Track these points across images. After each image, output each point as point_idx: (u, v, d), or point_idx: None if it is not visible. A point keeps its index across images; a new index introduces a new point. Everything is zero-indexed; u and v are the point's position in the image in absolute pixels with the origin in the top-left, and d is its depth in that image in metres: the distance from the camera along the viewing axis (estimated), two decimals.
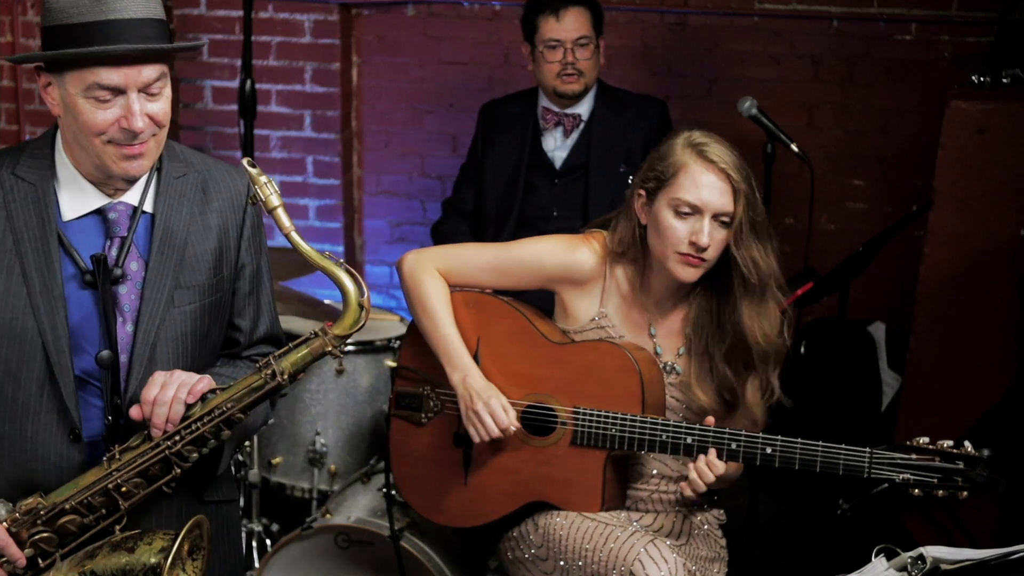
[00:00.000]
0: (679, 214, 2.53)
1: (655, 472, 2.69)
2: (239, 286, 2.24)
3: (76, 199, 2.10)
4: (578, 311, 2.71)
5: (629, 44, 4.53)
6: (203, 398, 2.04)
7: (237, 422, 2.07)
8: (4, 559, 2.02)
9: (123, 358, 2.11)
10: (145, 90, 2.00)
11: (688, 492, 2.52)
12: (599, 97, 3.80)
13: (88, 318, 2.09)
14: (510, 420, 2.61)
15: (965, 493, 2.34)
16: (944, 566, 1.85)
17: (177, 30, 4.85)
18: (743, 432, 2.49)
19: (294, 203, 4.92)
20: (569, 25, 3.67)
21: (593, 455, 2.61)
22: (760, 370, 2.59)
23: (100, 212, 2.11)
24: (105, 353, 2.07)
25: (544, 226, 3.74)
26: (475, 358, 2.69)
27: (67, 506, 2.03)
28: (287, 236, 2.01)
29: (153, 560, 1.93)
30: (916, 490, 2.37)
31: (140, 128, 2.00)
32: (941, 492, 2.36)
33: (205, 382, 2.05)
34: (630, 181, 3.66)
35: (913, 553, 1.87)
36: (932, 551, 1.86)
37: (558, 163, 3.82)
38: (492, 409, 2.60)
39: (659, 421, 2.54)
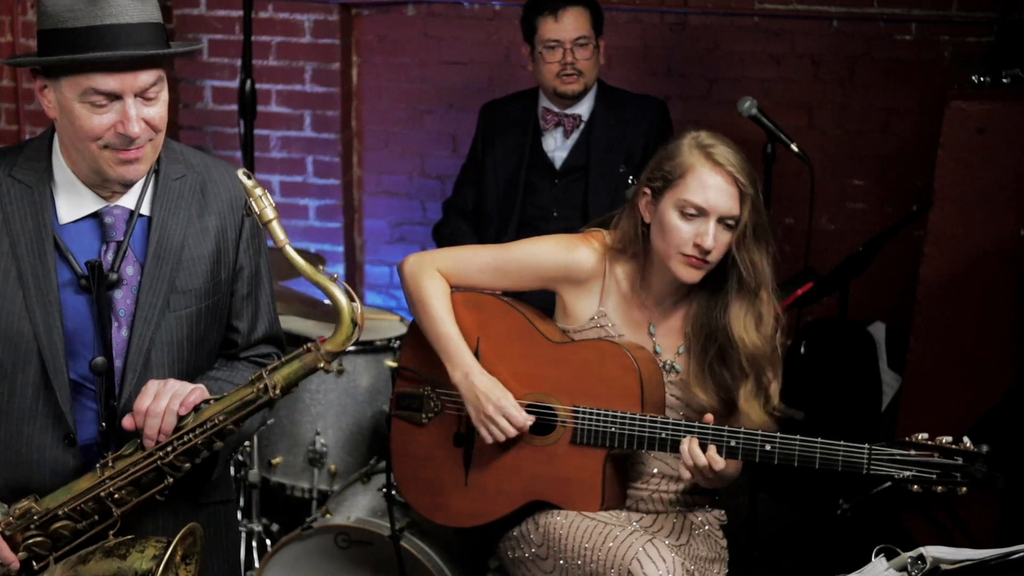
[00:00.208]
0: (685, 215, 2.53)
1: (655, 471, 2.69)
2: (237, 288, 2.24)
3: (73, 202, 2.09)
4: (578, 310, 2.71)
5: (629, 44, 4.53)
6: (196, 409, 2.04)
7: (229, 434, 2.06)
8: None
9: (118, 363, 2.10)
10: (142, 95, 1.99)
11: (687, 474, 2.51)
12: (599, 97, 3.80)
13: (84, 323, 2.09)
14: (524, 418, 2.62)
15: (964, 489, 2.35)
16: (944, 566, 1.85)
17: (177, 30, 4.85)
18: (742, 429, 2.49)
19: (294, 203, 4.92)
20: (568, 25, 3.67)
21: (593, 454, 2.61)
22: (751, 374, 2.58)
23: (96, 216, 2.10)
24: (99, 360, 2.07)
25: (544, 226, 3.74)
26: (475, 358, 2.69)
27: (60, 512, 2.04)
28: (282, 249, 1.99)
29: (145, 567, 1.94)
30: (915, 486, 2.37)
31: (136, 133, 1.99)
32: (940, 488, 2.36)
33: (198, 393, 2.04)
34: (630, 181, 3.69)
35: (913, 553, 1.87)
36: (932, 551, 1.86)
37: (558, 163, 3.82)
38: (506, 411, 2.61)
39: (658, 420, 2.54)
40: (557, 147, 3.83)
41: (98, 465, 2.05)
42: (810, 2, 4.36)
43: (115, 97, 1.98)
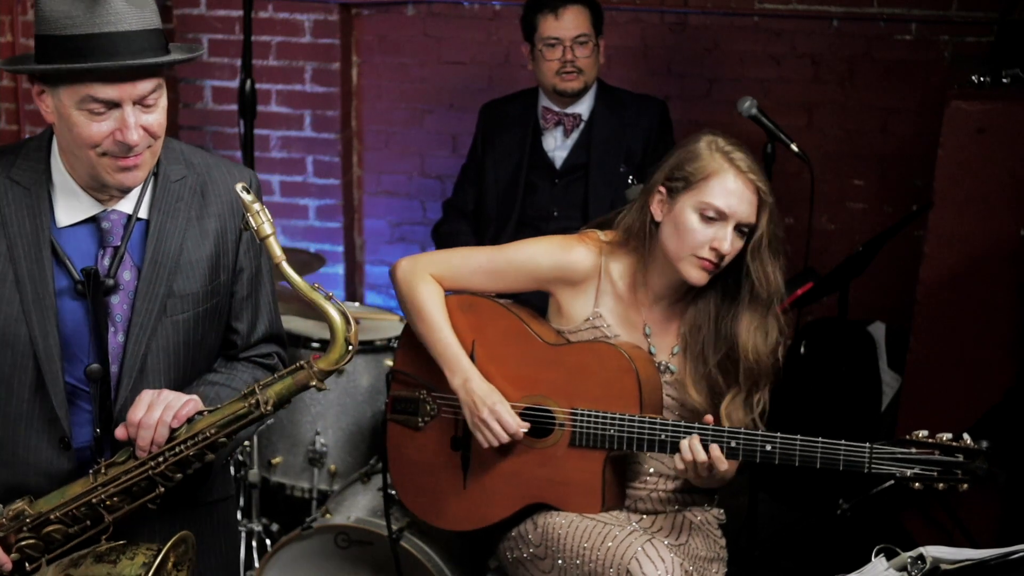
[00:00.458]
0: (705, 218, 2.53)
1: (652, 470, 2.69)
2: (236, 289, 2.23)
3: (71, 206, 2.09)
4: (572, 311, 2.71)
5: (629, 44, 4.53)
6: (189, 420, 2.03)
7: (221, 446, 2.06)
8: None
9: (113, 368, 2.10)
10: (140, 102, 1.98)
11: (680, 466, 2.51)
12: (599, 97, 3.80)
13: (80, 328, 2.08)
14: (518, 425, 2.61)
15: (965, 485, 2.35)
16: (944, 566, 1.85)
17: (177, 30, 4.85)
18: (742, 430, 2.49)
19: (294, 203, 4.92)
20: (568, 23, 3.67)
21: (592, 456, 2.61)
22: (744, 386, 2.58)
23: (94, 220, 2.09)
24: (95, 367, 2.07)
25: (544, 226, 3.74)
26: (471, 361, 2.68)
27: (52, 516, 2.04)
28: (278, 266, 1.98)
29: (135, 574, 1.94)
30: (916, 484, 2.37)
31: (135, 141, 1.98)
32: (941, 485, 2.36)
33: (191, 405, 2.04)
34: (631, 181, 3.69)
35: (913, 553, 1.87)
36: (932, 551, 1.86)
37: (558, 163, 3.82)
38: (500, 416, 2.60)
39: (657, 421, 2.54)
40: (557, 146, 3.83)
41: (91, 471, 2.05)
42: (810, 2, 4.36)
43: (113, 105, 1.96)
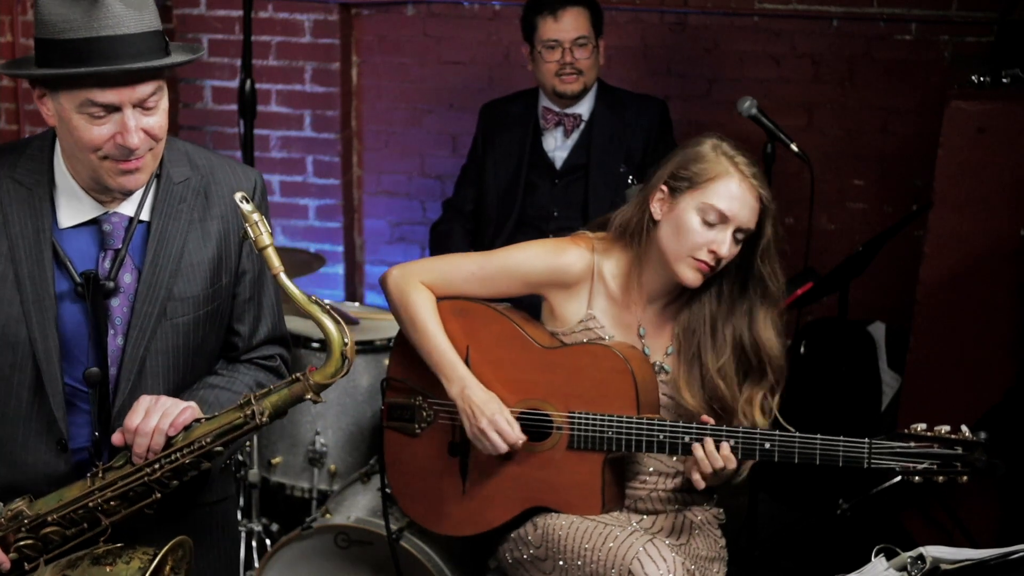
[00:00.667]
0: (706, 221, 2.53)
1: (652, 469, 2.69)
2: (239, 291, 2.22)
3: (72, 207, 2.08)
4: (566, 313, 2.70)
5: (629, 44, 4.53)
6: (186, 428, 2.03)
7: (217, 455, 2.06)
8: None
9: (112, 371, 2.10)
10: (140, 105, 1.97)
11: (702, 484, 2.51)
12: (599, 97, 3.80)
13: (80, 329, 2.08)
14: (517, 435, 2.61)
15: (965, 478, 2.35)
16: (944, 566, 1.85)
17: (177, 30, 4.85)
18: (740, 429, 2.49)
19: (294, 203, 4.92)
20: (568, 25, 3.67)
21: (591, 458, 2.60)
22: (774, 381, 2.61)
23: (96, 222, 2.09)
24: (93, 370, 2.07)
25: (544, 226, 3.74)
26: (465, 365, 2.68)
27: (50, 518, 2.04)
28: (275, 277, 1.97)
29: None
30: (916, 477, 2.38)
31: (136, 144, 1.97)
32: (941, 478, 2.37)
33: (188, 413, 2.03)
34: (631, 181, 3.69)
35: (913, 553, 1.87)
36: (932, 551, 1.86)
37: (558, 163, 3.82)
38: (498, 426, 2.60)
39: (655, 421, 2.54)
40: (557, 147, 3.83)
41: (88, 475, 2.05)
42: (810, 2, 4.36)
43: (113, 109, 1.95)
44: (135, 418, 2.00)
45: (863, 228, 4.38)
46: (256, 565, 3.56)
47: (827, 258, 4.02)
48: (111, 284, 2.07)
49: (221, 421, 2.04)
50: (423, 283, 2.71)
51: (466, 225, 3.93)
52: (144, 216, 2.12)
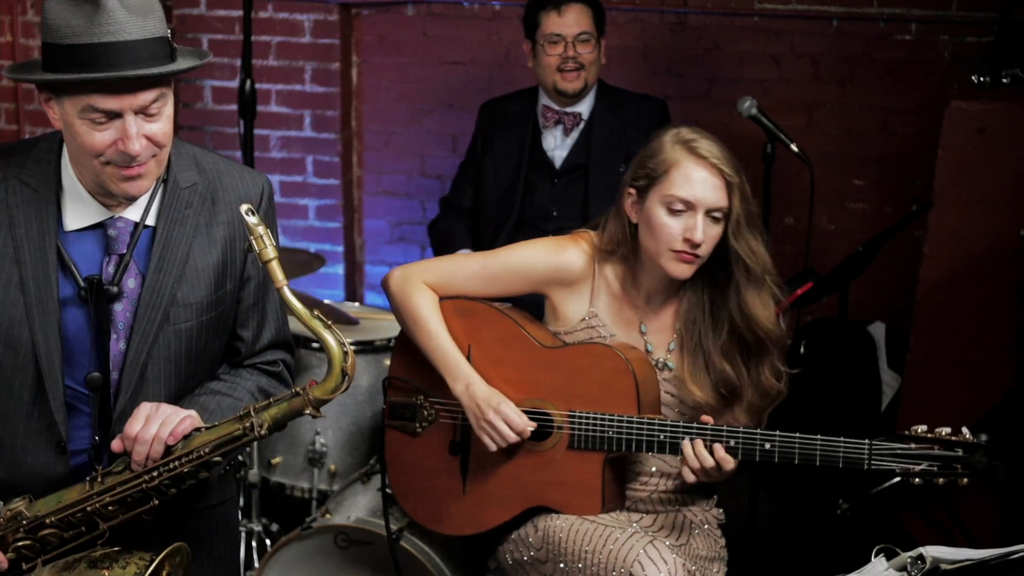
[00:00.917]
0: (672, 211, 2.53)
1: (654, 469, 2.69)
2: (243, 297, 2.21)
3: (78, 211, 2.08)
4: (568, 312, 2.70)
5: (629, 44, 4.53)
6: (186, 436, 2.03)
7: (215, 465, 2.06)
8: None
9: (114, 375, 2.09)
10: (143, 112, 1.97)
11: (692, 477, 2.51)
12: (599, 97, 3.80)
13: (83, 333, 2.08)
14: (525, 423, 2.61)
15: (965, 480, 2.35)
16: (944, 566, 1.85)
17: (177, 30, 4.85)
18: (740, 429, 2.49)
19: (294, 203, 4.92)
20: (571, 20, 3.67)
21: (591, 458, 2.61)
22: (774, 350, 2.61)
23: (101, 226, 2.08)
24: (95, 375, 2.07)
25: (544, 225, 3.74)
26: (469, 364, 2.68)
27: (48, 520, 2.04)
28: (279, 291, 1.97)
29: None
30: (916, 479, 2.38)
31: (137, 151, 1.96)
32: (941, 480, 2.36)
33: (188, 422, 2.03)
34: None
35: (913, 553, 1.87)
36: (932, 551, 1.86)
37: (558, 162, 3.82)
38: (505, 415, 2.60)
39: (656, 421, 2.54)
40: (557, 146, 3.82)
41: (88, 479, 2.05)
42: (810, 2, 4.36)
43: (115, 115, 1.95)
44: (135, 425, 2.00)
45: (863, 228, 4.38)
46: (256, 565, 3.56)
47: (827, 258, 4.02)
48: (114, 289, 2.06)
49: (220, 432, 2.03)
50: (425, 283, 2.71)
51: (465, 223, 3.93)
52: (150, 221, 2.11)
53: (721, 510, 2.80)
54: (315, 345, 3.62)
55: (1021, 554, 1.86)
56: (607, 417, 2.57)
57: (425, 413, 2.78)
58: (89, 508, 2.03)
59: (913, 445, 2.37)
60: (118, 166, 1.98)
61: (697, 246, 2.52)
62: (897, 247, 4.01)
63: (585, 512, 2.61)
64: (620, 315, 2.68)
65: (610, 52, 3.96)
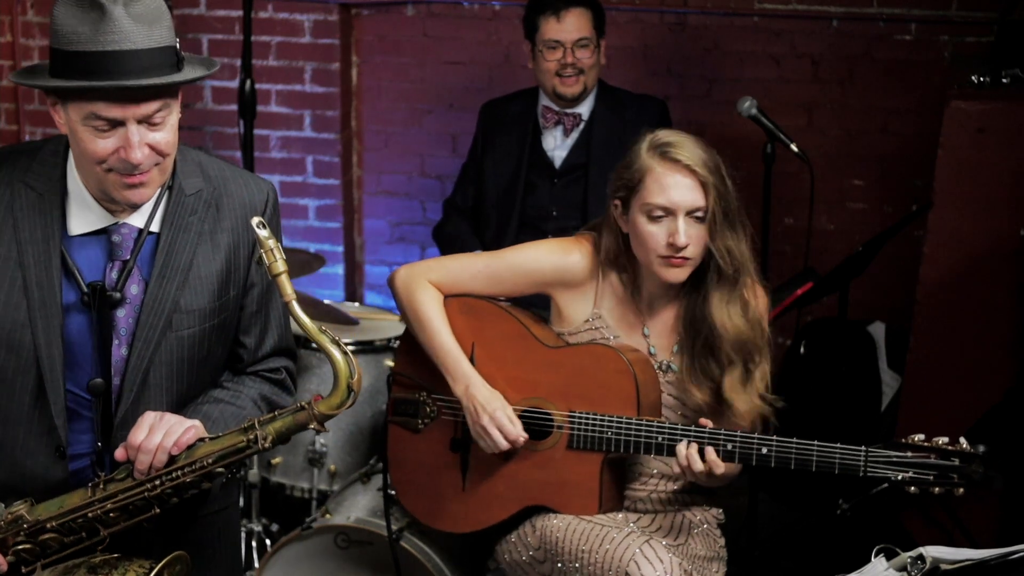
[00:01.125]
0: (652, 218, 2.53)
1: (655, 471, 2.69)
2: (246, 304, 2.20)
3: (83, 216, 2.07)
4: (572, 313, 2.71)
5: (629, 44, 4.53)
6: (189, 446, 2.02)
7: (218, 475, 2.06)
8: None
9: (115, 381, 2.09)
10: (146, 121, 1.96)
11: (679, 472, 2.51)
12: (599, 97, 3.80)
13: (85, 338, 2.07)
14: (518, 432, 2.61)
15: (961, 490, 2.35)
16: (944, 566, 1.85)
17: (177, 30, 4.83)
18: (738, 433, 2.49)
19: (294, 203, 4.92)
20: (570, 26, 3.66)
21: (590, 458, 2.61)
22: (738, 361, 2.58)
23: (105, 232, 2.08)
24: (97, 381, 2.06)
25: (544, 226, 3.74)
26: (470, 363, 2.68)
27: (49, 525, 2.04)
28: (287, 305, 1.97)
29: None
30: (912, 488, 2.37)
31: (138, 160, 1.96)
32: (937, 489, 2.36)
33: (192, 433, 2.02)
34: None
35: (913, 553, 1.87)
36: (932, 551, 1.86)
37: (558, 163, 3.82)
38: (500, 423, 2.60)
39: (654, 423, 2.54)
40: (557, 146, 3.82)
41: (90, 485, 2.04)
42: (810, 2, 4.36)
43: (118, 123, 1.94)
44: (139, 434, 1.99)
45: (863, 228, 4.38)
46: (256, 565, 3.56)
47: (827, 258, 4.02)
48: (117, 295, 2.05)
49: (224, 443, 2.03)
50: (430, 282, 2.72)
51: (469, 224, 3.93)
52: (154, 228, 2.10)
53: (721, 510, 2.80)
54: (315, 345, 3.61)
55: (1021, 554, 1.85)
56: (606, 418, 2.57)
57: (427, 410, 2.79)
58: (90, 514, 2.03)
59: (910, 453, 2.37)
60: (120, 174, 1.98)
61: (681, 249, 2.52)
62: (897, 247, 4.01)
63: (582, 512, 2.61)
64: (624, 317, 2.69)
65: (610, 52, 3.96)
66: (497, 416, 2.60)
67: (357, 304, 4.57)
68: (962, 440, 2.36)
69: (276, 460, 3.67)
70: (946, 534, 3.47)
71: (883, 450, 2.38)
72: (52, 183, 2.07)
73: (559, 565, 2.59)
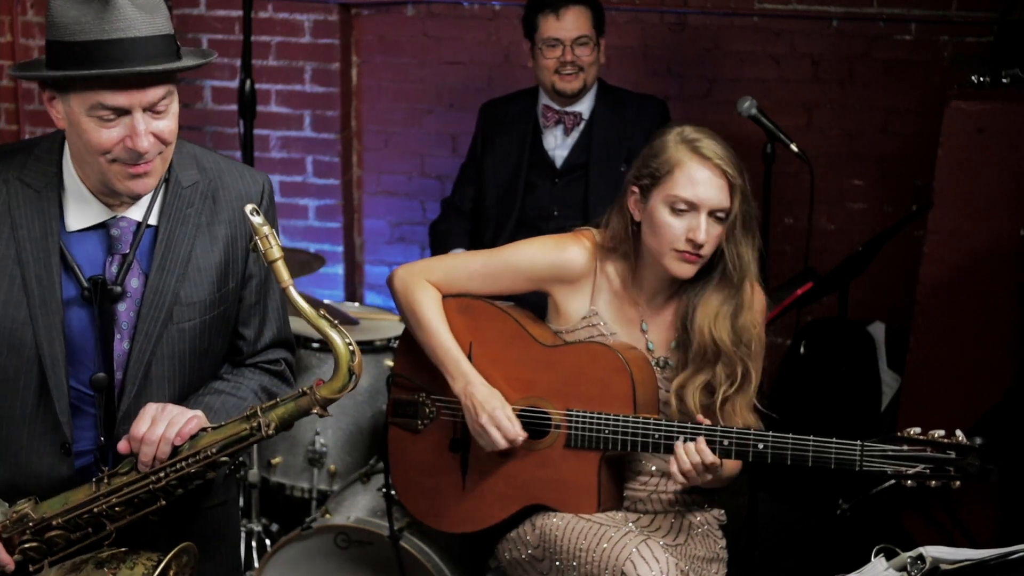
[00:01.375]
0: (675, 211, 2.53)
1: (654, 468, 2.69)
2: (245, 295, 2.21)
3: (81, 211, 2.07)
4: (569, 310, 2.71)
5: (629, 44, 4.53)
6: (192, 436, 2.03)
7: (222, 465, 2.06)
8: None
9: (118, 375, 2.09)
10: (150, 109, 1.97)
11: (680, 479, 2.51)
12: (600, 97, 3.80)
13: (86, 333, 2.07)
14: (516, 431, 2.61)
15: (958, 483, 2.34)
16: (944, 566, 1.85)
17: (177, 30, 4.82)
18: (734, 429, 2.49)
19: (294, 203, 4.92)
20: (569, 24, 3.66)
21: (587, 457, 2.61)
22: (694, 366, 2.58)
23: (104, 226, 2.08)
24: (100, 376, 2.06)
25: (544, 225, 3.74)
26: (469, 362, 2.68)
27: (55, 522, 2.04)
28: (284, 291, 1.98)
29: None
30: (909, 481, 2.37)
31: (145, 148, 1.96)
32: (934, 483, 2.35)
33: (195, 423, 2.03)
34: None
35: (913, 553, 1.87)
36: (932, 551, 1.86)
37: (558, 162, 3.82)
38: (498, 422, 2.60)
39: (651, 421, 2.54)
40: (557, 146, 3.82)
41: (94, 480, 2.05)
42: (810, 2, 4.36)
43: (123, 112, 1.94)
44: (141, 426, 2.00)
45: (863, 228, 4.38)
46: (256, 565, 3.56)
47: (827, 258, 4.02)
48: (118, 289, 2.06)
49: (227, 432, 2.03)
50: (429, 282, 2.72)
51: (465, 224, 3.93)
52: (152, 220, 2.11)
53: (723, 511, 2.80)
54: (315, 345, 3.62)
55: (1021, 554, 1.86)
56: (603, 416, 2.57)
57: (427, 411, 2.79)
58: (96, 509, 2.03)
59: (906, 447, 2.37)
60: (125, 164, 1.98)
61: (700, 246, 2.52)
62: (897, 247, 4.01)
63: (581, 511, 2.62)
64: (621, 313, 2.69)
65: (610, 52, 3.96)
66: (496, 415, 2.61)
67: (357, 304, 4.57)
68: (958, 433, 2.36)
69: (276, 460, 3.67)
70: (946, 534, 3.47)
71: (879, 444, 2.38)
72: (48, 179, 2.07)
73: (557, 563, 2.59)
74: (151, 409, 2.02)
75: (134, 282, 2.09)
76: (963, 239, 3.49)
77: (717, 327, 2.56)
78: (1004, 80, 3.58)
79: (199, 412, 2.06)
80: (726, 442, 2.48)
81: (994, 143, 3.42)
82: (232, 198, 2.16)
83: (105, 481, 2.03)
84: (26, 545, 2.04)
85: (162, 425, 2.00)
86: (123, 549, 2.03)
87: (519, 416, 2.64)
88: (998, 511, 3.48)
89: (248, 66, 3.91)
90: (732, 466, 2.59)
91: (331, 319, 2.01)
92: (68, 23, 1.92)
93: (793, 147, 3.33)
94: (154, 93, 1.96)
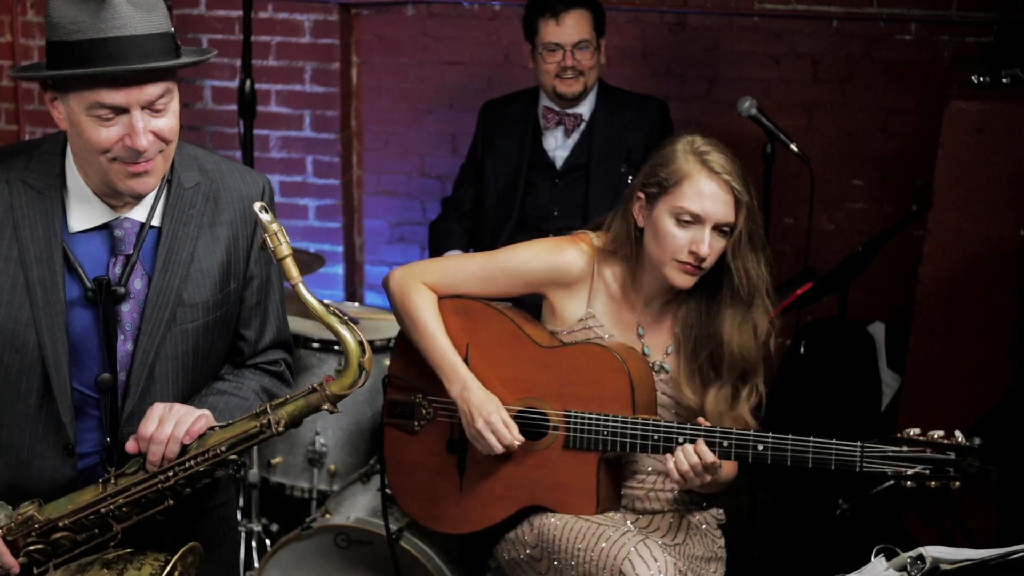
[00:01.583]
0: (680, 222, 2.53)
1: (651, 469, 2.69)
2: (246, 296, 2.21)
3: (84, 212, 2.07)
4: (566, 312, 2.71)
5: (629, 44, 4.53)
6: (200, 435, 2.03)
7: (231, 462, 2.06)
8: None
9: (121, 376, 2.09)
10: (149, 107, 1.97)
11: (679, 480, 2.51)
12: (600, 97, 3.80)
13: (90, 335, 2.07)
14: (513, 436, 2.61)
15: (957, 483, 2.35)
16: (944, 566, 1.85)
17: (177, 30, 4.83)
18: (734, 430, 2.49)
19: (294, 203, 4.92)
20: (569, 28, 3.66)
21: (586, 458, 2.61)
22: (728, 382, 2.59)
23: (107, 227, 2.08)
24: (105, 376, 2.06)
25: (544, 226, 3.74)
26: (465, 365, 2.68)
27: (60, 523, 2.04)
28: (294, 288, 1.98)
29: None
30: (908, 482, 2.37)
31: (144, 147, 1.96)
32: (934, 483, 2.36)
33: (203, 422, 2.03)
34: (631, 181, 3.69)
35: (913, 553, 1.87)
36: (932, 551, 1.86)
37: (559, 163, 3.82)
38: (494, 427, 2.60)
39: (650, 422, 2.54)
40: (558, 146, 3.82)
41: (100, 480, 2.05)
42: (810, 2, 4.36)
43: (122, 110, 1.95)
44: (149, 426, 2.00)
45: (863, 228, 4.38)
46: (256, 565, 3.56)
47: (827, 258, 4.03)
48: (122, 290, 2.06)
49: (236, 430, 2.04)
50: (425, 284, 2.72)
51: (464, 224, 3.93)
52: (155, 221, 2.11)
53: (721, 510, 2.80)
54: (315, 345, 3.62)
55: (1021, 554, 1.86)
56: (602, 417, 2.57)
57: (423, 412, 2.79)
58: (103, 510, 2.03)
59: (905, 448, 2.37)
60: (125, 163, 1.98)
61: (702, 259, 2.52)
62: (897, 247, 4.01)
63: (580, 511, 2.62)
64: (618, 316, 2.69)
65: (610, 52, 3.96)
66: (492, 420, 2.60)
67: (357, 304, 4.57)
68: (957, 433, 2.36)
69: (276, 460, 3.68)
70: (946, 534, 3.47)
71: (879, 445, 2.38)
72: (51, 180, 2.07)
73: (556, 563, 2.59)
74: (158, 409, 2.02)
75: (137, 283, 2.08)
76: (963, 239, 3.48)
77: (742, 342, 2.57)
78: (1004, 80, 3.58)
79: (206, 411, 2.06)
80: (726, 443, 2.48)
81: (994, 143, 3.42)
82: (233, 199, 2.17)
83: (112, 481, 2.03)
84: (31, 547, 2.04)
85: (170, 424, 2.00)
86: (129, 550, 2.03)
87: (516, 417, 2.64)
88: (998, 511, 3.48)
89: (248, 66, 3.91)
90: (728, 470, 2.59)
91: (340, 315, 2.01)
92: (65, 23, 1.93)
93: (793, 147, 3.33)
94: (152, 91, 1.96)
